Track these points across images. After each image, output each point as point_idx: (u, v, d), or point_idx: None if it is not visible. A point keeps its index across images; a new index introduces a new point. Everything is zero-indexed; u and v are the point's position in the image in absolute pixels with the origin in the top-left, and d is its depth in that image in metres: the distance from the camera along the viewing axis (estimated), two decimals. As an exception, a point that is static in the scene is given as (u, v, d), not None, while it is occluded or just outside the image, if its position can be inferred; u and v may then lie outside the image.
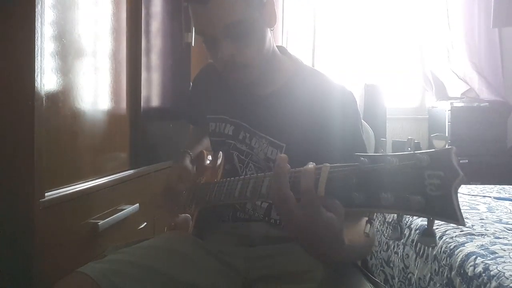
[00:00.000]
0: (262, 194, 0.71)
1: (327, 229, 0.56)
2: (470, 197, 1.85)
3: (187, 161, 1.02)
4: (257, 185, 0.73)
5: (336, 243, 0.58)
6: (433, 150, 0.47)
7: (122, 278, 0.77)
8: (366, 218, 0.54)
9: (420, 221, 1.42)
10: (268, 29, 0.88)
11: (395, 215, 0.52)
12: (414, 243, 1.38)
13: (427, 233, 0.49)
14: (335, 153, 0.77)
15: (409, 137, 0.50)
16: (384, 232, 1.70)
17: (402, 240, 1.47)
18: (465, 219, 1.34)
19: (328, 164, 0.57)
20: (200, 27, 0.85)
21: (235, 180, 0.81)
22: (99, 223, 1.04)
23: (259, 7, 0.84)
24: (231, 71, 0.87)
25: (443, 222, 1.38)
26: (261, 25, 0.85)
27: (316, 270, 0.82)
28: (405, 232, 1.48)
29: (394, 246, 1.54)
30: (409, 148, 0.49)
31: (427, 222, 0.48)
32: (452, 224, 1.45)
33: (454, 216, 0.44)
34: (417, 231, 1.38)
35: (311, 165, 0.58)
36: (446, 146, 0.46)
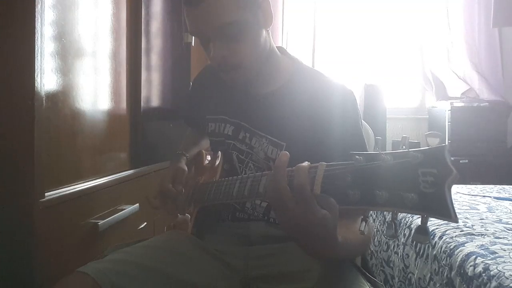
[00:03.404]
0: (259, 193, 0.72)
1: (321, 226, 0.56)
2: (470, 197, 1.84)
3: (182, 163, 1.02)
4: (255, 183, 0.73)
5: (331, 240, 0.59)
6: (427, 148, 0.47)
7: (122, 277, 0.77)
8: (362, 217, 0.55)
9: (419, 221, 1.42)
10: (264, 29, 0.87)
11: (391, 213, 0.52)
12: (414, 243, 1.38)
13: (421, 231, 0.49)
14: (335, 152, 0.77)
15: (404, 135, 0.50)
16: (384, 231, 1.70)
17: (402, 240, 1.47)
18: (465, 219, 1.36)
19: (324, 163, 0.58)
20: (192, 29, 0.85)
21: (233, 180, 0.81)
22: (99, 223, 1.04)
23: (253, 8, 0.83)
24: (224, 72, 0.87)
25: (443, 222, 1.38)
26: (254, 26, 0.84)
27: (315, 270, 0.82)
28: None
29: (394, 246, 1.54)
30: (404, 146, 0.49)
31: (421, 219, 0.49)
32: (452, 224, 1.45)
33: (447, 213, 0.45)
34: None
35: (305, 163, 0.59)
36: (441, 144, 0.47)
